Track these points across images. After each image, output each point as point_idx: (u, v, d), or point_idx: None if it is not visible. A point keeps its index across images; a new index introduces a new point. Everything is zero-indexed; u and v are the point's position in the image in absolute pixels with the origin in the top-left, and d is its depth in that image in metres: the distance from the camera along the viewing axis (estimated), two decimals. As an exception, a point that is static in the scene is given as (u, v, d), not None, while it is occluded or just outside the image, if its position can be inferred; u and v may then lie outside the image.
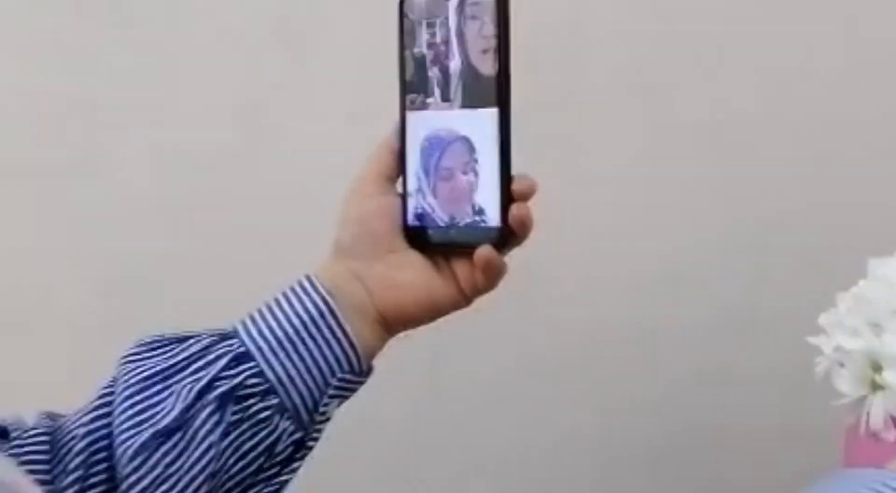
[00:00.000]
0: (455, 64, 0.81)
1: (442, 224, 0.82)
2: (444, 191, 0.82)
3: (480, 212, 0.81)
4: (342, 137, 1.19)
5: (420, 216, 0.83)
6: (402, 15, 0.83)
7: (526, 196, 0.80)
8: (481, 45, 0.80)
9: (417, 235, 0.83)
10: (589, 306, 1.27)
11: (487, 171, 0.80)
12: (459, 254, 0.82)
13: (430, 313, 0.83)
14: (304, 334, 0.80)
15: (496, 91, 0.80)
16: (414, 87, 0.83)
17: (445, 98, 0.82)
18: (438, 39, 0.82)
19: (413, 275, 0.83)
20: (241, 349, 0.80)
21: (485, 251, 0.80)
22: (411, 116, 0.83)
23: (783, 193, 1.28)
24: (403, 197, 0.84)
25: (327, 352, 0.81)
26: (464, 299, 0.83)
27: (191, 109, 1.22)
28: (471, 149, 0.81)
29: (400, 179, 0.85)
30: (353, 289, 0.83)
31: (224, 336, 0.81)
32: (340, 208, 0.85)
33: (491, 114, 0.80)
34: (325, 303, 0.81)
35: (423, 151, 0.83)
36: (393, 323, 0.83)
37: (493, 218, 0.80)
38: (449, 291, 0.83)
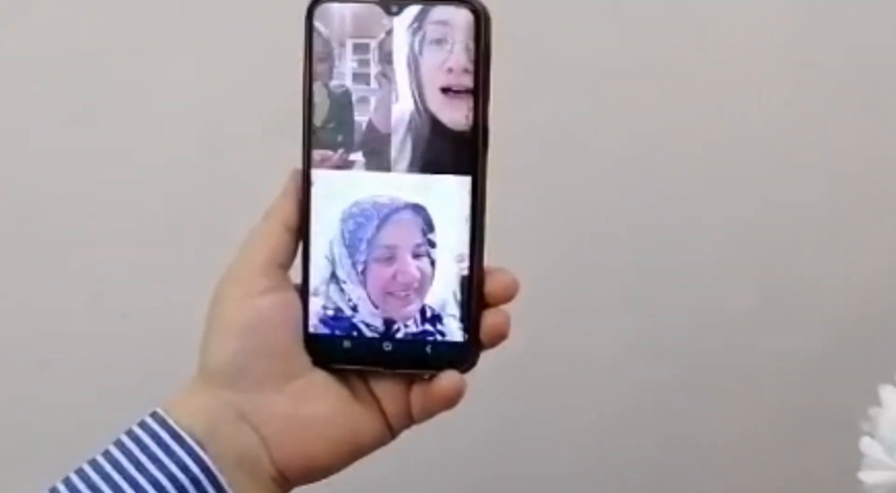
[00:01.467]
0: (402, 108, 0.56)
1: (371, 333, 0.57)
2: (381, 279, 0.57)
3: (434, 319, 0.57)
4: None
5: (333, 320, 0.58)
6: (310, 29, 0.57)
7: (503, 299, 0.57)
8: (446, 81, 0.56)
9: (327, 349, 0.58)
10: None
11: (448, 260, 0.56)
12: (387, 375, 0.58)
13: (346, 458, 0.58)
14: None
15: (469, 151, 0.56)
16: (327, 138, 0.57)
17: (381, 158, 0.57)
18: (373, 70, 0.56)
19: (324, 408, 0.57)
20: None
21: (450, 381, 0.56)
22: (321, 177, 0.57)
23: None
24: (304, 291, 0.58)
25: None
26: (390, 432, 0.59)
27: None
28: (426, 225, 0.56)
29: (298, 266, 0.58)
30: (239, 436, 0.56)
31: None
32: (209, 313, 0.57)
33: (458, 184, 0.56)
34: (198, 462, 0.54)
35: (344, 221, 0.57)
36: (295, 479, 0.57)
37: (453, 329, 0.57)
38: (372, 424, 0.58)
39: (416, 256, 0.57)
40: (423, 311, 0.57)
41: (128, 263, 0.93)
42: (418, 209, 0.56)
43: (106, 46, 0.91)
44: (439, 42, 0.56)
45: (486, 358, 0.57)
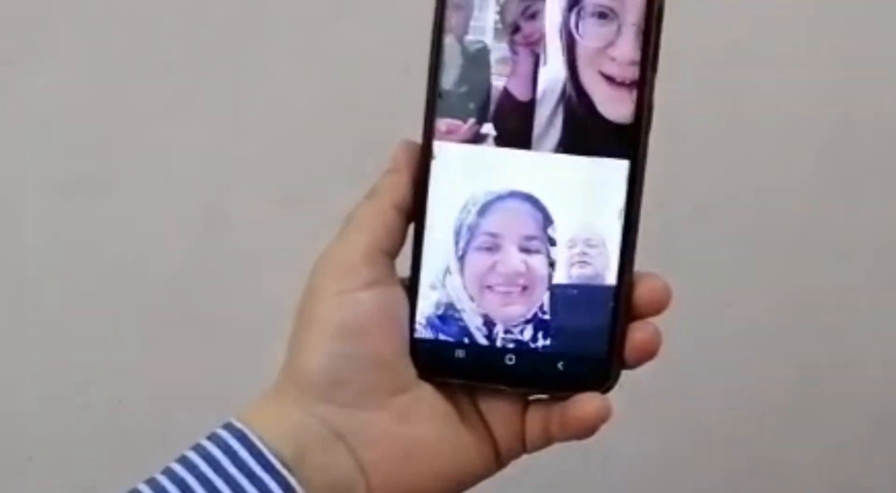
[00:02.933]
0: (551, 76, 0.47)
1: (487, 341, 0.48)
2: (478, 268, 0.47)
3: (549, 328, 0.47)
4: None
5: (443, 324, 0.48)
6: (444, -29, 0.47)
7: (654, 311, 0.47)
8: (608, 69, 0.46)
9: (437, 359, 0.48)
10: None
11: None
12: (496, 391, 0.48)
13: (448, 492, 0.48)
14: None
15: (629, 133, 0.47)
16: (456, 104, 0.47)
17: (520, 133, 0.47)
18: (520, 27, 0.47)
19: (432, 431, 0.47)
20: None
21: (592, 404, 0.47)
22: (445, 151, 0.48)
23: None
24: (412, 287, 0.48)
25: None
26: (497, 462, 0.49)
27: None
28: (545, 217, 0.47)
29: (405, 257, 0.48)
30: (334, 460, 0.46)
31: None
32: (300, 308, 0.47)
33: (613, 169, 0.47)
34: (287, 491, 0.43)
35: (458, 211, 0.48)
36: None
37: (589, 344, 0.47)
38: (481, 452, 0.48)
39: (527, 250, 0.47)
40: (535, 314, 0.47)
41: (124, 345, 0.82)
42: (531, 201, 0.47)
43: (109, 111, 0.81)
44: (603, 17, 0.46)
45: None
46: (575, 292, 0.47)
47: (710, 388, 0.89)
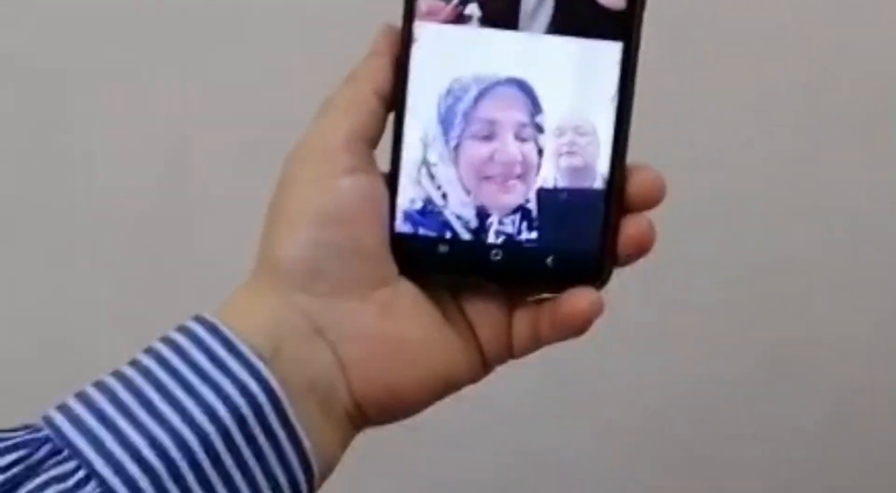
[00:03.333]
0: (544, -46, 0.44)
1: (470, 235, 0.45)
2: (474, 159, 0.45)
3: (549, 222, 0.45)
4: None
5: (425, 217, 0.45)
6: None
7: (648, 204, 0.45)
8: None
9: (419, 253, 0.45)
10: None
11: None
12: (478, 285, 0.46)
13: (434, 394, 0.45)
14: (222, 448, 0.39)
15: (622, 13, 0.44)
16: (436, -22, 0.45)
17: (507, 12, 0.44)
18: None
19: (416, 328, 0.44)
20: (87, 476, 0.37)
21: (584, 299, 0.44)
22: (427, 33, 0.45)
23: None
24: (392, 178, 0.45)
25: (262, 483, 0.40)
26: (483, 366, 0.46)
27: None
28: (533, 104, 0.44)
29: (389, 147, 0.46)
30: (312, 355, 0.43)
31: (54, 450, 0.38)
32: (275, 199, 0.44)
33: (606, 50, 0.45)
34: (261, 382, 0.40)
35: (442, 97, 0.45)
36: (373, 416, 0.44)
37: (580, 237, 0.45)
38: (467, 355, 0.46)
39: (520, 138, 0.45)
40: (526, 205, 0.45)
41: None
42: (522, 85, 0.44)
43: (76, 58, 0.78)
44: None
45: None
46: (564, 183, 0.45)
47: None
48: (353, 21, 0.74)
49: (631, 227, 0.44)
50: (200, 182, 0.81)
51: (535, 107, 0.44)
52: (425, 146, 0.45)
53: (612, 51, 0.44)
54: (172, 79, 0.80)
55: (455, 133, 0.45)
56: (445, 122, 0.45)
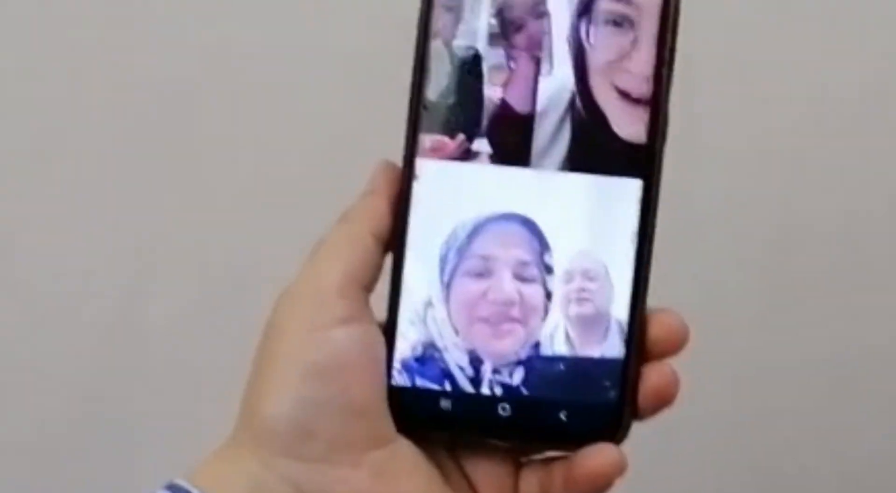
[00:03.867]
0: (554, 86, 0.41)
1: (472, 388, 0.41)
2: (466, 295, 0.41)
3: (552, 372, 0.41)
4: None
5: (421, 364, 0.41)
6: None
7: (670, 350, 0.41)
8: (623, 83, 0.41)
9: (420, 409, 0.41)
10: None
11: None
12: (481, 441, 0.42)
13: None
14: None
15: (642, 150, 0.41)
16: (443, 116, 0.41)
17: (518, 149, 0.41)
18: (518, 30, 0.41)
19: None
20: None
21: (605, 458, 0.40)
22: (430, 170, 0.42)
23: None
24: (389, 326, 0.41)
25: None
26: None
27: None
28: (540, 242, 0.41)
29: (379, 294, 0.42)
30: None
31: None
32: (261, 349, 0.40)
33: (624, 188, 0.41)
34: None
35: (444, 236, 0.41)
36: None
37: (596, 388, 0.41)
38: None
39: (522, 278, 0.41)
40: (538, 356, 0.41)
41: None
42: (530, 224, 0.41)
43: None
44: (618, 25, 0.41)
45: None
46: (576, 332, 0.41)
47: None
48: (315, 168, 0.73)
49: (653, 376, 0.41)
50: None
51: (542, 245, 0.41)
52: (425, 290, 0.41)
53: (631, 188, 0.41)
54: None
55: (448, 269, 0.41)
56: (443, 261, 0.41)
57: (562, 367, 0.41)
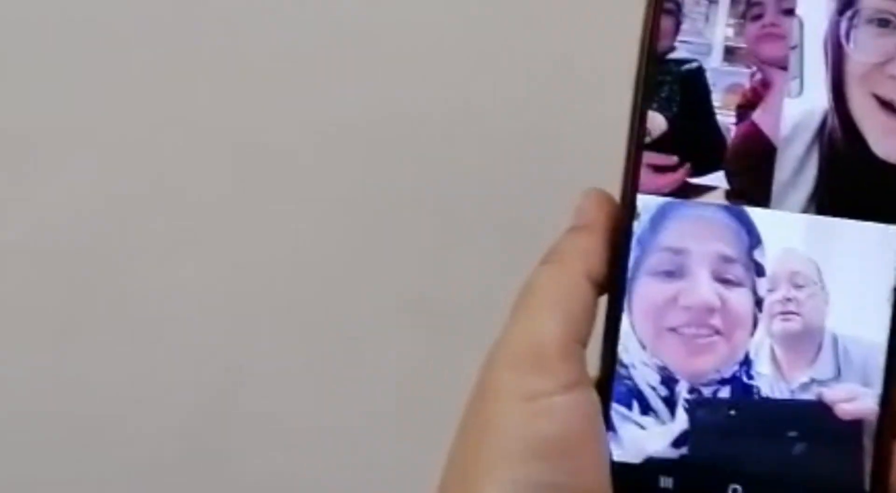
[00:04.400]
0: (804, 108, 0.35)
1: (656, 404, 0.35)
2: (652, 299, 0.35)
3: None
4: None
5: (642, 436, 0.35)
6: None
7: None
8: (889, 90, 0.35)
9: (640, 487, 0.35)
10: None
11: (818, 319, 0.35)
12: None
13: None
14: None
15: None
16: (668, 145, 0.35)
17: (758, 184, 0.35)
18: (761, 43, 0.35)
19: None
20: None
21: None
22: (653, 207, 0.35)
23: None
24: (605, 386, 0.35)
25: None
26: None
27: None
28: (749, 233, 0.35)
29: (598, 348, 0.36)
30: None
31: None
32: (468, 419, 0.34)
33: (885, 236, 0.35)
34: None
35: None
36: None
37: (833, 468, 0.35)
38: None
39: (723, 280, 0.35)
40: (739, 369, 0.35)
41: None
42: (736, 212, 0.35)
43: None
44: (885, 24, 0.35)
45: None
46: (796, 371, 0.35)
47: None
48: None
49: None
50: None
51: (752, 238, 0.35)
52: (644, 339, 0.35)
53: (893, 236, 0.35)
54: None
55: (630, 265, 0.35)
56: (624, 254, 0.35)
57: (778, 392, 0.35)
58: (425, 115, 0.68)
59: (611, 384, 0.35)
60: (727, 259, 0.35)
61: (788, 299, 0.35)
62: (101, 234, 0.69)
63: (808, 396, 0.35)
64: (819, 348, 0.35)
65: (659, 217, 0.35)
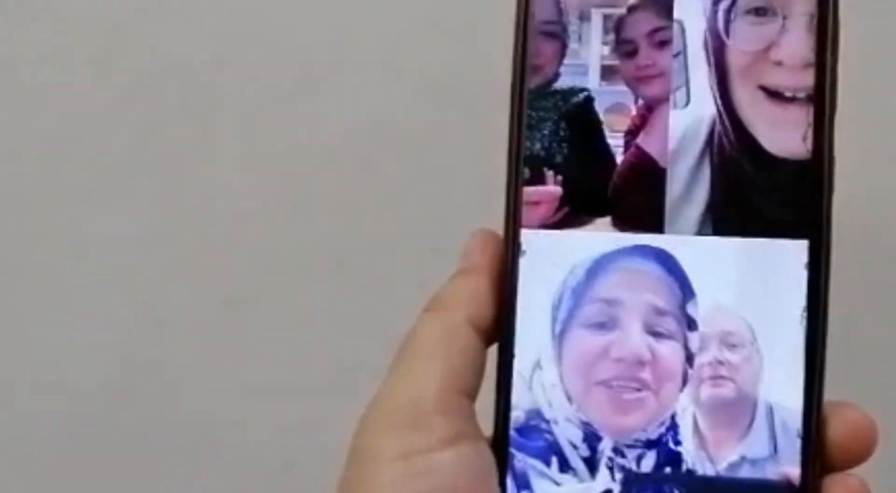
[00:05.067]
0: (689, 121, 0.32)
1: (575, 462, 0.32)
2: (583, 351, 0.33)
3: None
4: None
5: (524, 438, 0.33)
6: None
7: (859, 456, 0.32)
8: (773, 78, 0.32)
9: None
10: None
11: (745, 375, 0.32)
12: None
13: None
14: None
15: (807, 197, 0.32)
16: (549, 176, 0.33)
17: (647, 210, 0.32)
18: (639, 58, 0.33)
19: None
20: None
21: None
22: (538, 243, 0.33)
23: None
24: (499, 438, 0.33)
25: None
26: None
27: None
28: (682, 286, 0.32)
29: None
30: None
31: None
32: (346, 479, 0.32)
33: (787, 252, 0.32)
34: None
35: (564, 278, 0.33)
36: None
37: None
38: None
39: (653, 331, 0.32)
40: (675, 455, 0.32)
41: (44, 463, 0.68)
42: (666, 258, 0.32)
43: (32, 192, 0.67)
44: (761, 13, 0.32)
45: None
46: (711, 416, 0.32)
47: None
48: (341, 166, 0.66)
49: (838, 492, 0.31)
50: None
51: (686, 290, 0.32)
52: (534, 347, 0.33)
53: (796, 252, 0.32)
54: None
55: (561, 317, 0.33)
56: (556, 307, 0.33)
57: (705, 468, 0.32)
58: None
59: (506, 437, 0.33)
60: (659, 311, 0.33)
61: (720, 362, 0.32)
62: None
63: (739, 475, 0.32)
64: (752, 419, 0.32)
65: (594, 268, 0.33)
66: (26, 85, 0.66)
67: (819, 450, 0.32)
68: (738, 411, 0.32)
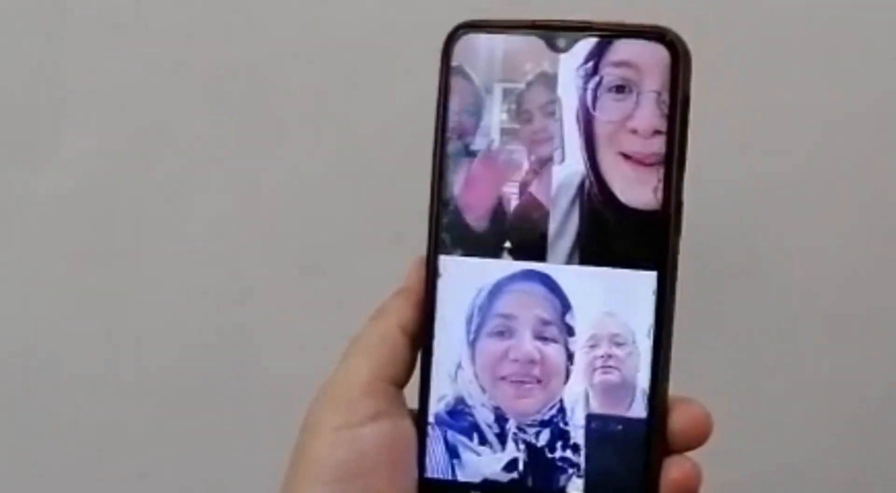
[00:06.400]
0: (566, 175, 0.41)
1: (491, 438, 0.42)
2: (489, 356, 0.42)
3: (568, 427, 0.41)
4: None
5: (452, 418, 0.43)
6: (446, 68, 0.42)
7: (693, 443, 0.41)
8: (629, 145, 0.41)
9: None
10: None
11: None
12: None
13: None
14: None
15: (656, 238, 0.41)
16: (462, 213, 0.42)
17: (534, 243, 0.42)
18: (531, 124, 0.42)
19: None
20: None
21: None
22: (452, 266, 0.43)
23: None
24: (421, 418, 0.43)
25: None
26: None
27: None
28: (561, 301, 0.42)
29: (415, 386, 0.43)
30: None
31: None
32: (296, 448, 0.42)
33: (639, 282, 0.41)
34: None
35: (473, 298, 0.43)
36: None
37: (614, 480, 0.41)
38: None
39: (540, 337, 0.42)
40: (557, 411, 0.41)
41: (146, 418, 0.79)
42: (548, 281, 0.42)
43: (129, 183, 0.77)
44: (620, 90, 0.41)
45: None
46: (599, 406, 0.41)
47: None
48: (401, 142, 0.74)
49: (674, 471, 0.40)
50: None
51: (563, 304, 0.41)
52: (456, 351, 0.42)
53: (645, 281, 0.41)
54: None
55: (473, 329, 0.42)
56: (469, 321, 0.43)
57: (584, 435, 0.41)
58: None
59: (424, 416, 0.42)
60: (543, 321, 0.42)
61: (609, 355, 0.41)
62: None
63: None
64: (631, 403, 0.41)
65: (494, 290, 0.42)
66: (123, 88, 0.76)
67: (662, 434, 0.41)
68: (622, 393, 0.41)
